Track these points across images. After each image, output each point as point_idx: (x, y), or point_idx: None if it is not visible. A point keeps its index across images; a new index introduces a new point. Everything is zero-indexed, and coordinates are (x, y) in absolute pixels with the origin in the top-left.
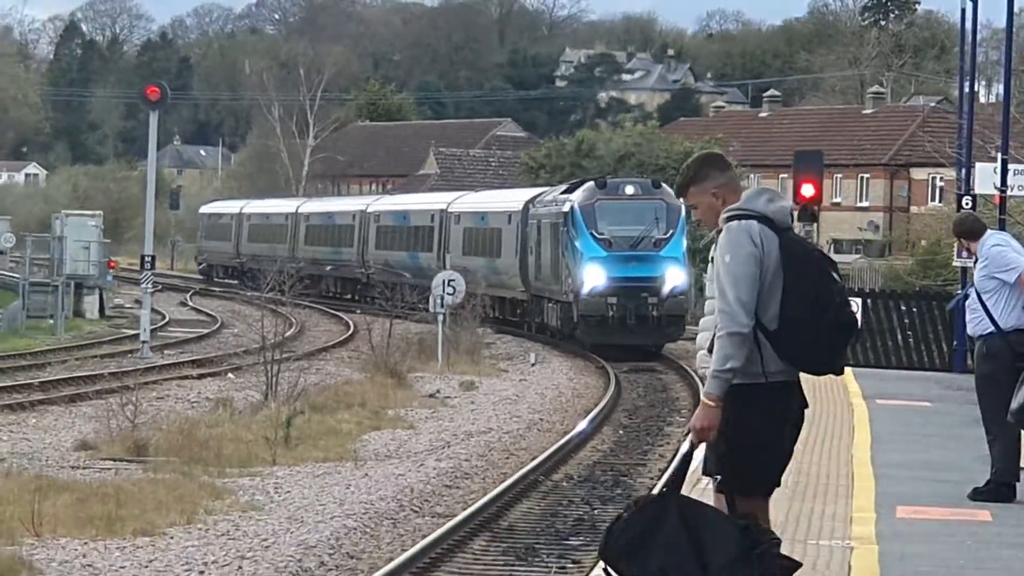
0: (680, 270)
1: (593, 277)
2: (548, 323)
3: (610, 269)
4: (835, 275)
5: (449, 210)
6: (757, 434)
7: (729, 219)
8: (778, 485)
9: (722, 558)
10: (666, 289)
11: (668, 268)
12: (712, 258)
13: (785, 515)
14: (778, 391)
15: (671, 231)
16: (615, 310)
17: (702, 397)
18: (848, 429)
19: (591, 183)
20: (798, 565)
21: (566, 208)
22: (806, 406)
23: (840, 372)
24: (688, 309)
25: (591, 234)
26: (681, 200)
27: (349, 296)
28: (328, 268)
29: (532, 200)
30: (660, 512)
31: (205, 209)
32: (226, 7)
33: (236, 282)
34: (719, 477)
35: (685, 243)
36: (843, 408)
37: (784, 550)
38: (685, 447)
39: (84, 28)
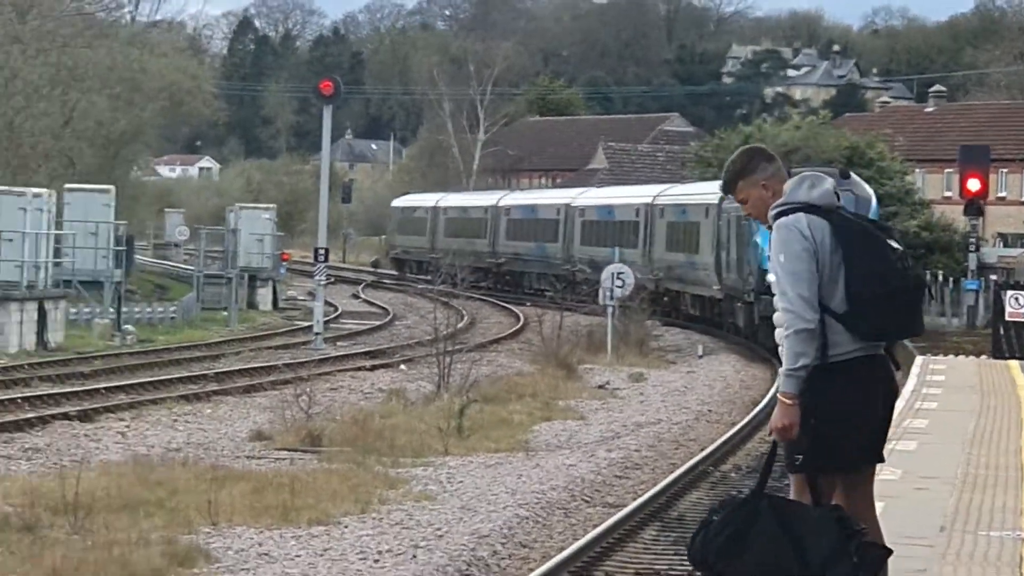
0: None
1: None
2: (737, 324)
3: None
4: (892, 242)
5: (573, 204)
6: (837, 413)
7: (777, 216)
8: (879, 460)
9: (822, 551)
10: None
11: None
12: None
13: (955, 506)
14: (852, 368)
15: None
16: None
17: (779, 396)
18: (1017, 422)
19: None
20: (889, 552)
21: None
22: (893, 379)
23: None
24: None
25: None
26: (728, 196)
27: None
28: (532, 264)
29: (659, 195)
30: (752, 511)
31: (398, 203)
32: (398, 3)
33: (429, 278)
34: (799, 458)
35: None
36: (1011, 401)
37: (954, 541)
38: (768, 447)
39: (257, 24)
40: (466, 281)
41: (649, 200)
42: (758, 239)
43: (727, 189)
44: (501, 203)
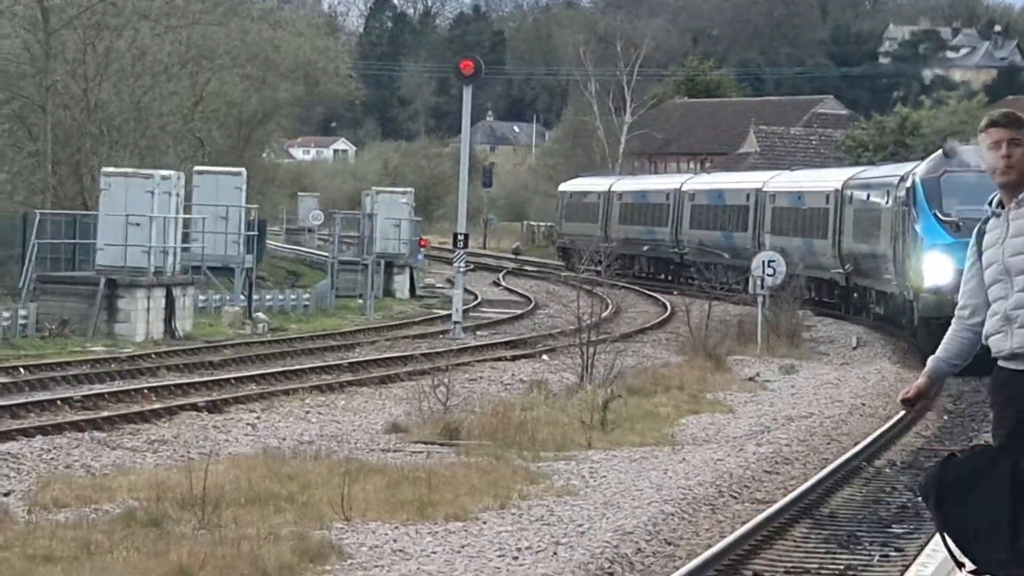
0: None
1: (936, 270)
2: (871, 310)
3: (959, 259)
4: None
5: (764, 189)
6: None
7: None
8: None
9: None
10: None
11: None
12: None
13: None
14: None
15: None
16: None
17: None
18: None
19: (937, 153)
20: None
21: (904, 183)
22: None
23: None
24: None
25: (934, 215)
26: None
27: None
28: (717, 255)
29: (850, 179)
30: (993, 462)
31: (566, 187)
32: None
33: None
34: None
35: None
36: None
37: None
38: None
39: (395, 1)
40: (645, 274)
41: (759, 186)
42: (919, 227)
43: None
44: (685, 187)
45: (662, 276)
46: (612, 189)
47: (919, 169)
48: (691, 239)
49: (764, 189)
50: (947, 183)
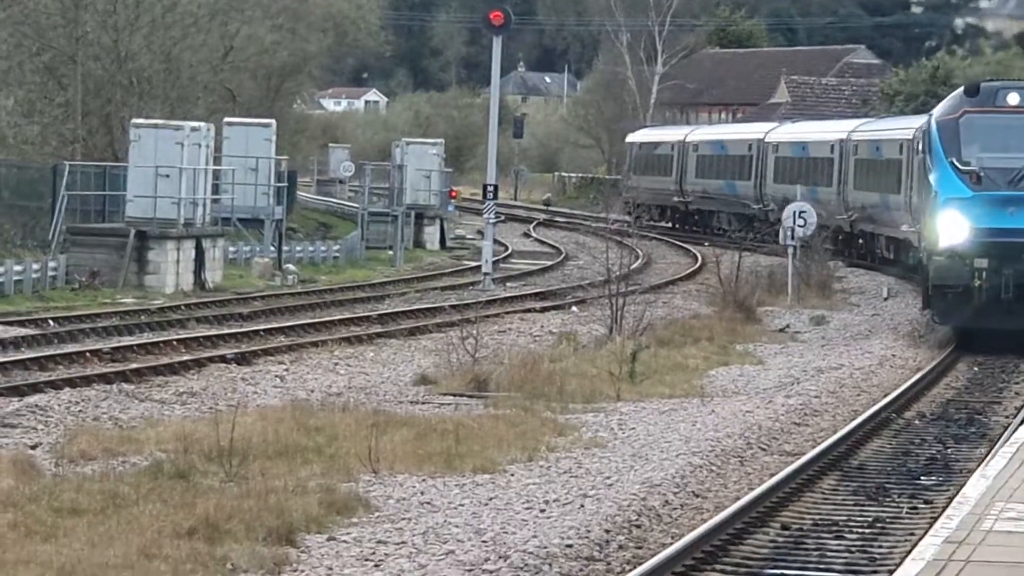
0: None
1: (951, 228)
2: (878, 254)
3: (978, 217)
4: None
5: (766, 140)
6: None
7: None
8: None
9: None
10: None
11: None
12: None
13: None
14: None
15: None
16: (985, 279)
17: None
18: None
19: (958, 91)
20: None
21: (913, 127)
22: None
23: None
24: None
25: (951, 164)
26: None
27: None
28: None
29: (855, 130)
30: None
31: (634, 137)
32: None
33: (674, 226)
34: None
35: None
36: None
37: None
38: None
39: None
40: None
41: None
42: (932, 178)
43: None
44: (769, 138)
45: (745, 233)
46: (688, 140)
47: (936, 110)
48: (776, 193)
49: (849, 139)
50: (968, 126)
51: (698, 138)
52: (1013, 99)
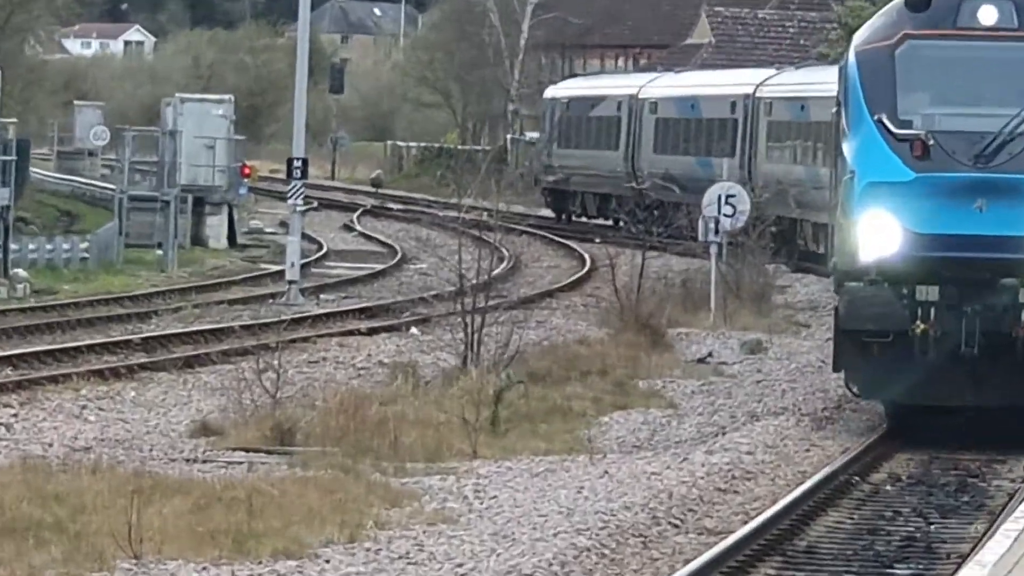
0: None
1: (877, 234)
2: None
3: (924, 215)
4: None
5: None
6: None
7: None
8: None
9: None
10: None
11: None
12: None
13: None
14: None
15: None
16: (935, 321)
17: None
18: None
19: (895, 2)
20: None
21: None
22: None
23: None
24: None
25: (878, 124)
26: None
27: None
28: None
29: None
30: None
31: (556, 92)
32: None
33: (621, 223)
34: None
35: None
36: None
37: None
38: None
39: None
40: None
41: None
42: (848, 149)
43: None
44: (761, 92)
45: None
46: (642, 95)
47: (858, 35)
48: (769, 172)
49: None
50: (910, 60)
51: (657, 92)
52: (987, 15)
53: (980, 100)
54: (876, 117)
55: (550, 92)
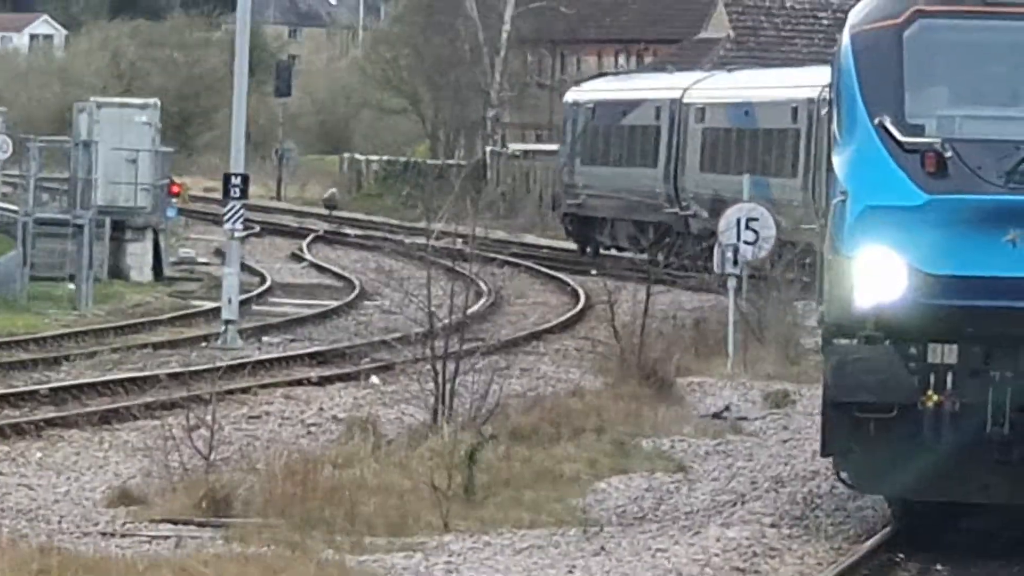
0: None
1: (875, 274)
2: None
3: (935, 250)
4: None
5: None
6: None
7: None
8: None
9: None
10: None
11: None
12: None
13: None
14: None
15: None
16: (950, 387)
17: None
18: None
19: None
20: None
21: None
22: None
23: None
24: None
25: (881, 130)
26: None
27: None
28: None
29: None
30: None
31: (578, 95)
32: None
33: (661, 260)
34: None
35: None
36: None
37: None
38: None
39: None
40: None
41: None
42: (839, 163)
43: None
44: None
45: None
46: (690, 99)
47: (854, 14)
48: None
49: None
50: (920, 44)
51: (706, 96)
52: None
53: (1017, 99)
54: (877, 121)
55: (572, 95)
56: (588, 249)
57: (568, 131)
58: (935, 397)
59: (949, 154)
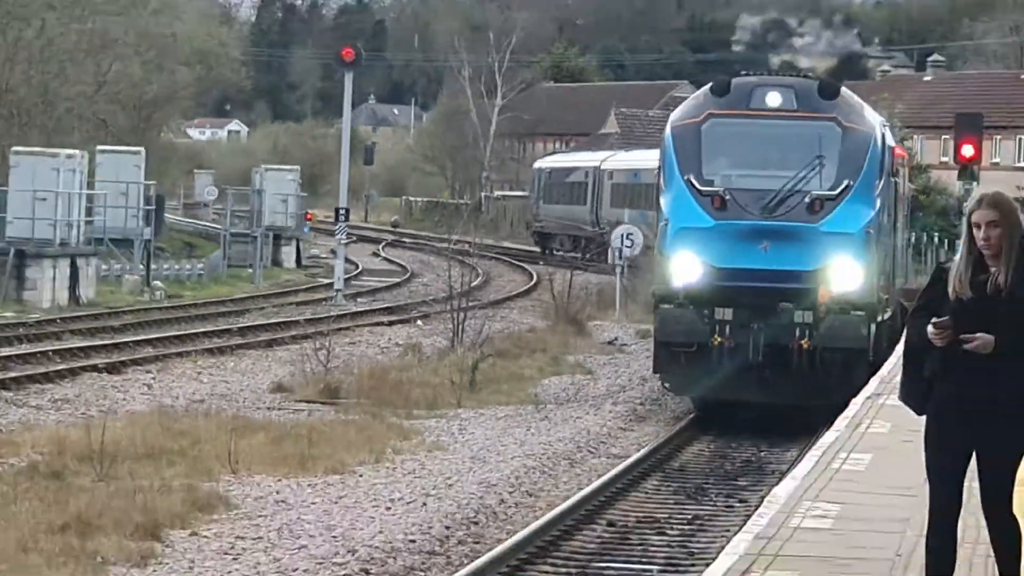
0: (859, 262)
1: (684, 266)
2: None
3: (721, 253)
4: None
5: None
6: None
7: None
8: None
9: None
10: (829, 297)
11: (834, 256)
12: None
13: None
14: None
15: (847, 182)
16: (729, 336)
17: None
18: None
19: (703, 88)
20: None
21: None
22: None
23: None
24: (869, 338)
25: (688, 183)
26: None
27: None
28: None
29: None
30: None
31: (544, 164)
32: None
33: (584, 257)
34: None
35: (876, 208)
36: None
37: None
38: None
39: None
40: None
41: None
42: (664, 202)
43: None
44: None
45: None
46: (604, 167)
47: (674, 113)
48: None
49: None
50: (712, 134)
51: (614, 165)
52: (774, 99)
53: (766, 165)
54: (686, 177)
55: (538, 164)
56: (545, 251)
57: (535, 185)
58: (719, 339)
59: (728, 197)
